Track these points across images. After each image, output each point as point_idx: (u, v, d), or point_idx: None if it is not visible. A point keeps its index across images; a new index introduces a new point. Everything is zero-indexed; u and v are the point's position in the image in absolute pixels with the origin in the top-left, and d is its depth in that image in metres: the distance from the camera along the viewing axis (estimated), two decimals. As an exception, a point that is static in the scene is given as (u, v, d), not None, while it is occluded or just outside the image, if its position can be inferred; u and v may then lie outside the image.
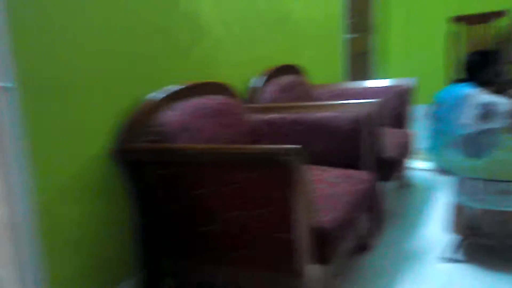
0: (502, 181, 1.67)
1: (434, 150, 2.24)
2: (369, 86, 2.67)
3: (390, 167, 2.08)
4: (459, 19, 3.81)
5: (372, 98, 2.38)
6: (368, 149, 1.84)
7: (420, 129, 2.95)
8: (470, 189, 1.69)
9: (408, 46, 4.29)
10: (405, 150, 2.35)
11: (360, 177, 1.71)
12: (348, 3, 3.29)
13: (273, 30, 2.45)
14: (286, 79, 2.32)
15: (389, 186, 2.36)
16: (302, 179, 1.24)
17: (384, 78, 4.06)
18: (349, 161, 1.84)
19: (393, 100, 2.54)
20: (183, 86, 1.66)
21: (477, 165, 1.81)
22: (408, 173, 2.62)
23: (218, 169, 1.31)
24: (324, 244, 1.33)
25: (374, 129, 1.87)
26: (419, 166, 2.78)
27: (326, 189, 1.52)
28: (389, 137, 2.24)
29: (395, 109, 2.53)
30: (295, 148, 1.18)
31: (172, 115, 1.54)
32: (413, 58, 4.27)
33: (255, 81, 2.19)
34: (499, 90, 2.81)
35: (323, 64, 3.10)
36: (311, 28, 2.91)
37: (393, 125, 2.52)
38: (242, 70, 2.18)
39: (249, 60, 2.23)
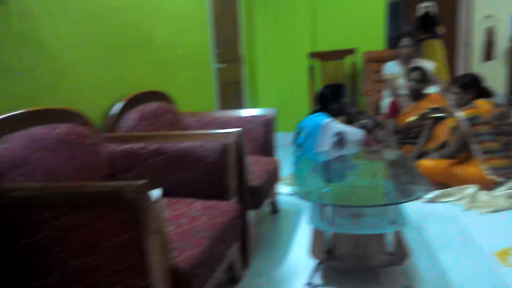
0: (351, 206, 1.79)
1: (297, 176, 2.34)
2: (238, 115, 2.70)
3: (258, 195, 2.09)
4: (315, 55, 4.19)
5: (239, 127, 2.39)
6: (235, 178, 1.81)
7: (286, 156, 3.09)
8: (325, 213, 1.77)
9: (275, 77, 4.54)
10: (273, 177, 2.40)
11: (226, 208, 1.65)
12: (215, 33, 3.33)
13: (135, 55, 2.31)
14: (150, 106, 2.18)
15: (258, 213, 2.36)
16: (154, 218, 1.12)
17: (254, 107, 4.22)
18: (215, 191, 1.78)
19: (260, 129, 2.59)
20: (16, 113, 1.41)
21: (331, 190, 1.92)
22: (277, 199, 2.68)
23: (53, 211, 1.11)
24: (183, 285, 1.22)
25: (241, 158, 1.86)
26: (286, 192, 2.87)
27: (186, 224, 1.41)
28: (257, 165, 2.27)
29: (262, 137, 2.59)
30: (143, 184, 1.06)
31: (0, 148, 1.28)
32: (280, 88, 4.53)
33: (114, 108, 2.01)
34: (350, 120, 3.13)
35: (193, 92, 3.05)
36: (180, 55, 2.85)
37: (260, 153, 2.57)
38: (99, 96, 1.99)
39: (106, 85, 2.05)
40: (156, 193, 1.63)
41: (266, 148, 2.60)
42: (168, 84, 2.65)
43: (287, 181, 2.93)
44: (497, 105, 2.61)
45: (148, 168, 1.78)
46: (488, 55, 5.91)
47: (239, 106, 4.04)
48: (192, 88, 3.02)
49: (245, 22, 4.09)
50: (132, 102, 2.08)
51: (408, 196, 1.75)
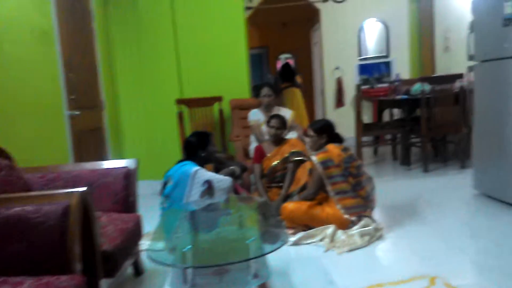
0: (210, 266, 1.70)
1: (160, 231, 2.18)
2: (93, 167, 2.44)
3: (112, 261, 1.85)
4: (182, 101, 4.15)
5: (94, 181, 2.14)
6: (80, 246, 1.57)
7: (155, 206, 2.88)
8: (186, 274, 1.64)
9: (142, 124, 4.34)
10: (133, 236, 2.19)
11: (66, 283, 1.40)
12: (67, 78, 3.05)
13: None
14: (-27, 165, 1.81)
15: (116, 280, 2.10)
16: None
17: (118, 157, 3.93)
18: (55, 264, 1.50)
19: (119, 182, 2.37)
20: None
21: (191, 248, 1.80)
22: (141, 259, 2.44)
23: None
24: None
25: (89, 220, 1.63)
26: (152, 249, 2.64)
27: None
28: (112, 225, 2.03)
29: (121, 191, 2.37)
30: None
31: None
32: (148, 135, 4.35)
33: None
34: (218, 167, 3.10)
35: (39, 143, 2.69)
36: (21, 103, 2.50)
37: (120, 209, 2.33)
38: None
39: None
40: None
41: (126, 203, 2.37)
42: (4, 136, 2.28)
43: (152, 236, 2.71)
44: (345, 149, 2.87)
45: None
46: (339, 102, 6.68)
47: (102, 156, 3.72)
48: (38, 139, 2.67)
49: (104, 67, 3.87)
50: None
51: (271, 244, 1.74)
